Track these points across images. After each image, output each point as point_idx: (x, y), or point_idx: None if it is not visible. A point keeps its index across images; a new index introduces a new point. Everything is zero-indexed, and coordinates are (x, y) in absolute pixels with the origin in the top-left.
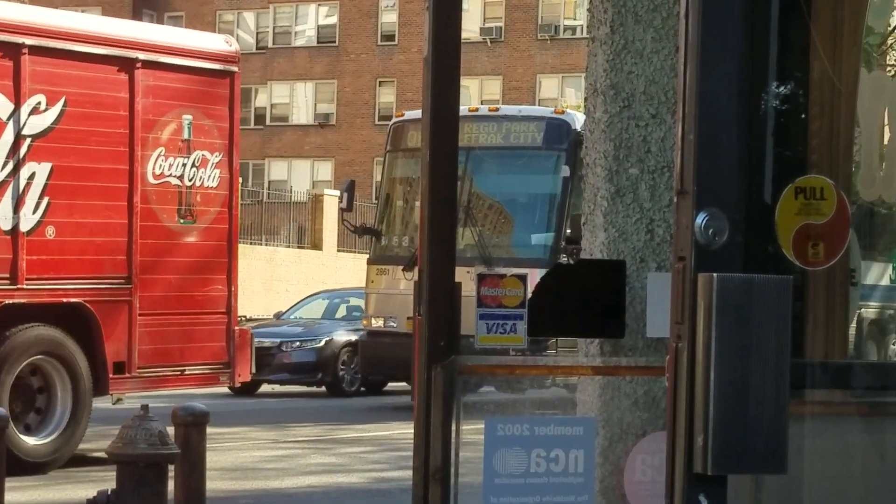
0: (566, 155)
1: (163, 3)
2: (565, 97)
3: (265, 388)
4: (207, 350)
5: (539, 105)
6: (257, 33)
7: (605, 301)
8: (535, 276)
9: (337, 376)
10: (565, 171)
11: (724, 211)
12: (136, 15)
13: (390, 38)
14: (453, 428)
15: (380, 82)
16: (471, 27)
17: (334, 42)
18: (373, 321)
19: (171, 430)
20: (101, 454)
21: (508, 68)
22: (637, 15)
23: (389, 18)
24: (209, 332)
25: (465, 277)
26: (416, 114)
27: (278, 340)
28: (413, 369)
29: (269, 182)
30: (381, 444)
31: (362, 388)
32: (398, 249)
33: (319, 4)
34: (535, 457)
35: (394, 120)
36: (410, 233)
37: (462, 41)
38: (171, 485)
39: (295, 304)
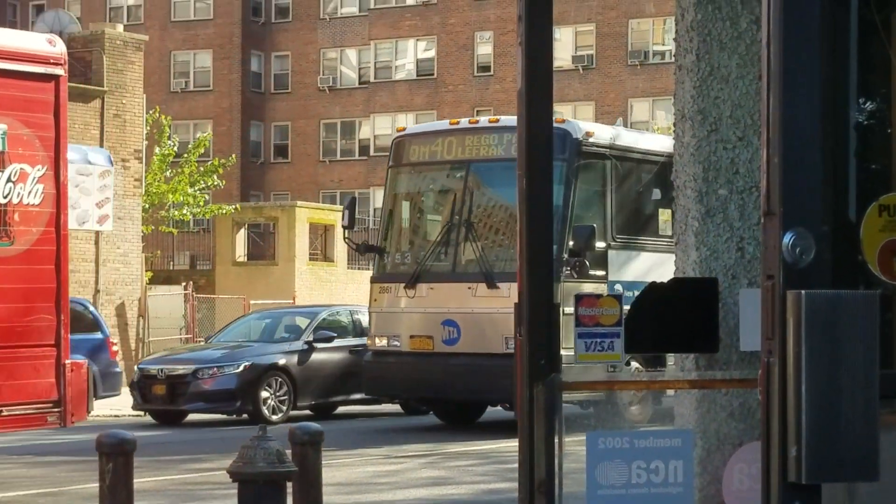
0: (567, 164)
1: (269, 43)
2: (656, 119)
3: (193, 416)
4: (31, 388)
5: (631, 128)
6: (359, 69)
7: (699, 317)
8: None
9: (257, 404)
10: (565, 181)
11: (810, 230)
12: (245, 55)
13: (486, 69)
14: (556, 442)
15: (477, 111)
16: (563, 56)
17: (433, 75)
18: (376, 340)
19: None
20: (223, 473)
21: (600, 94)
22: (721, 43)
23: (485, 51)
24: (33, 367)
25: (467, 294)
26: (418, 128)
27: (193, 367)
28: (513, 387)
29: (374, 210)
30: (488, 458)
31: (294, 412)
32: (402, 267)
33: (418, 39)
34: (635, 468)
35: (395, 135)
36: (414, 250)
37: (555, 70)
38: (289, 501)
39: (228, 325)
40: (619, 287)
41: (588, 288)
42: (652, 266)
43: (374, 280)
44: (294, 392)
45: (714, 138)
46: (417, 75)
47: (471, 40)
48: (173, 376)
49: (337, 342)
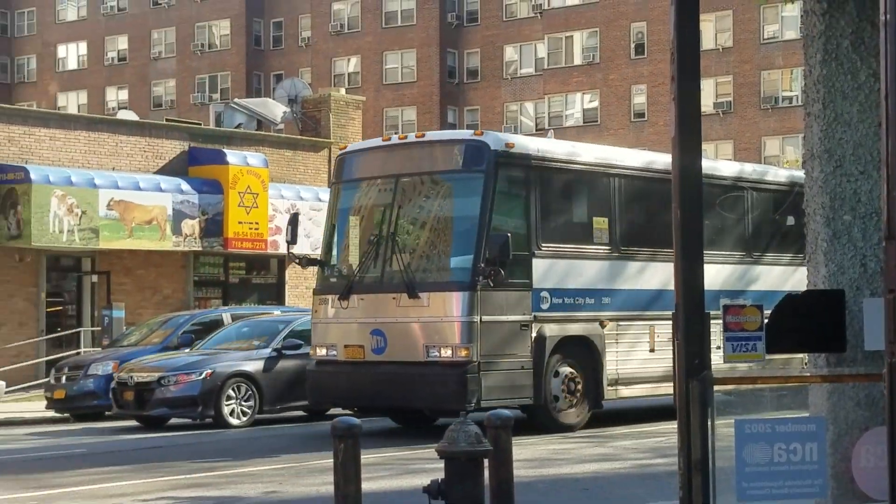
0: (485, 175)
1: (462, 100)
2: (785, 154)
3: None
4: None
5: (764, 162)
6: (535, 118)
7: (829, 322)
8: (457, 299)
9: (219, 409)
10: (483, 192)
11: None
12: (443, 109)
13: (641, 115)
14: (709, 427)
15: None
16: (706, 102)
17: (596, 122)
18: (317, 350)
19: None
20: (432, 451)
21: (738, 134)
22: (844, 93)
23: (640, 100)
24: None
25: (392, 304)
26: (356, 145)
27: (157, 375)
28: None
29: None
30: (643, 437)
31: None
32: (337, 279)
33: (584, 93)
34: (777, 449)
35: (339, 152)
36: (348, 263)
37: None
38: (486, 474)
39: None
40: (545, 294)
41: (512, 295)
42: (584, 273)
43: (315, 292)
44: (260, 398)
45: (839, 173)
46: (584, 122)
47: (628, 92)
48: (141, 383)
49: (305, 349)
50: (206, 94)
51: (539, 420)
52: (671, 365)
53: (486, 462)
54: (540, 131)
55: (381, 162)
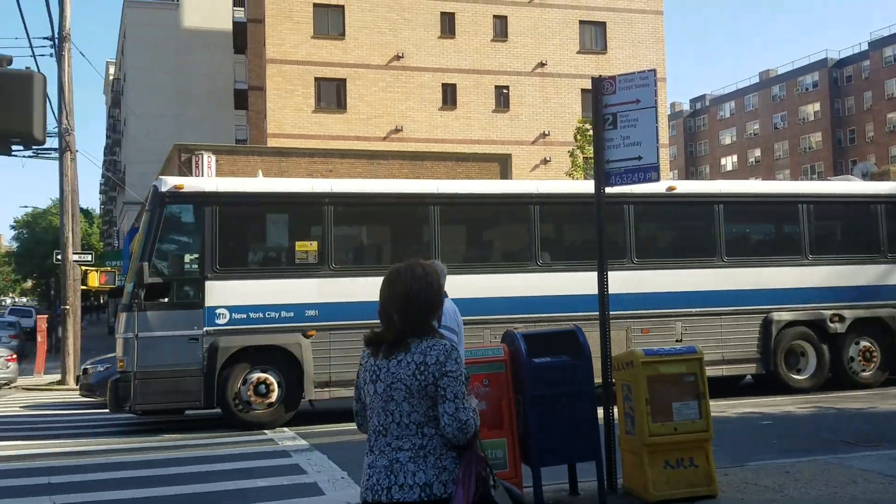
0: (150, 214)
1: None
2: None
3: None
4: None
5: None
6: None
7: None
8: (121, 319)
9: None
10: (147, 228)
11: None
12: None
13: None
14: None
15: None
16: None
17: None
18: (117, 363)
19: None
20: None
21: None
22: None
23: None
24: None
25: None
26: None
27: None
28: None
29: None
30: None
31: None
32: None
33: None
34: None
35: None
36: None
37: None
38: None
39: None
40: (222, 311)
41: (180, 313)
42: (262, 290)
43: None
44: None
45: None
46: None
47: None
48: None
49: None
50: None
51: (229, 419)
52: None
53: None
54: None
55: None
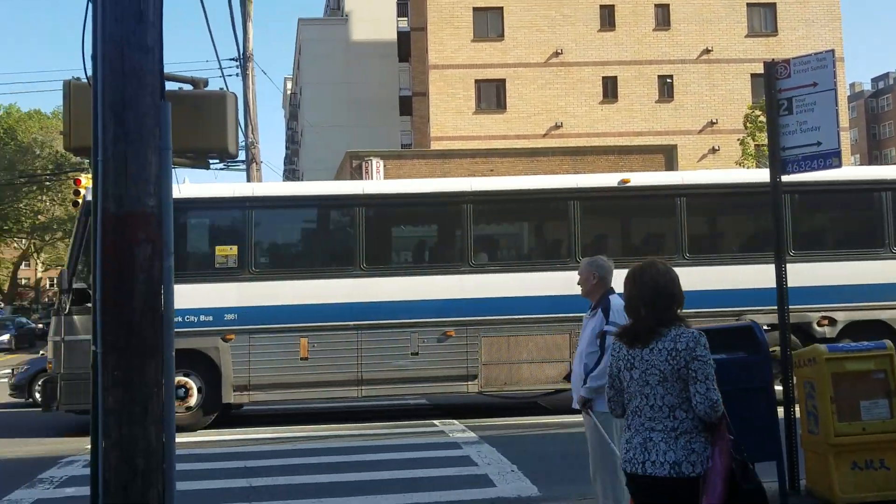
0: (79, 222)
1: None
2: None
3: None
4: None
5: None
6: None
7: None
8: (52, 322)
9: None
10: (74, 235)
11: None
12: None
13: None
14: None
15: None
16: None
17: None
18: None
19: None
20: None
21: None
22: None
23: None
24: None
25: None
26: None
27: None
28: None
29: None
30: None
31: None
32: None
33: None
34: None
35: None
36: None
37: None
38: None
39: None
40: None
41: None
42: (181, 295)
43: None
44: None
45: None
46: None
47: None
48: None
49: None
50: None
51: None
52: (322, 372)
53: None
54: None
55: None
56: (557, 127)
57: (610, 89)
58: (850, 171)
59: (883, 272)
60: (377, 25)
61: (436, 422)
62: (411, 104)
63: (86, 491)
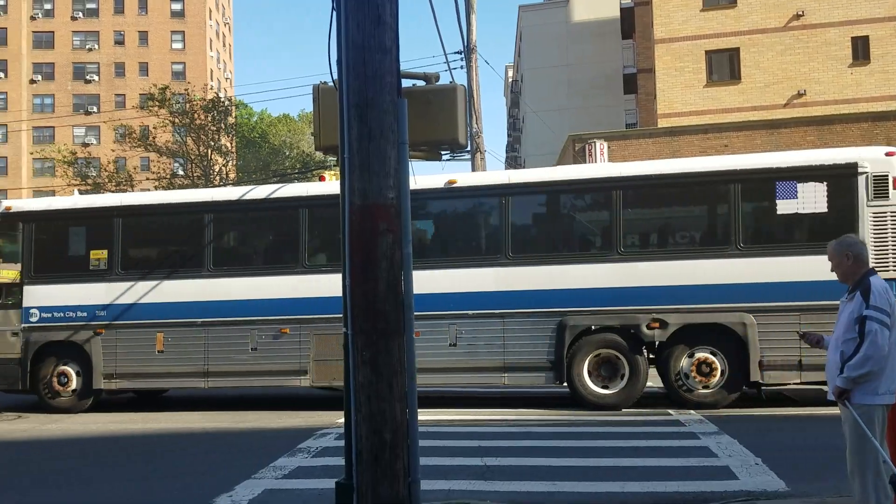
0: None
1: None
2: None
3: None
4: None
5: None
6: None
7: None
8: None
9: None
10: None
11: None
12: None
13: None
14: None
15: None
16: None
17: None
18: None
19: None
20: None
21: None
22: None
23: None
24: None
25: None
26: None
27: None
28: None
29: None
30: None
31: None
32: None
33: None
34: None
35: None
36: None
37: None
38: None
39: None
40: (34, 311)
41: (10, 312)
42: (63, 293)
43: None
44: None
45: None
46: None
47: None
48: None
49: None
50: None
51: (41, 405)
52: (183, 363)
53: None
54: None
55: None
56: (800, 95)
57: (861, 50)
58: (688, 162)
59: (724, 272)
60: (598, 4)
61: (670, 411)
62: (636, 82)
63: (338, 461)
